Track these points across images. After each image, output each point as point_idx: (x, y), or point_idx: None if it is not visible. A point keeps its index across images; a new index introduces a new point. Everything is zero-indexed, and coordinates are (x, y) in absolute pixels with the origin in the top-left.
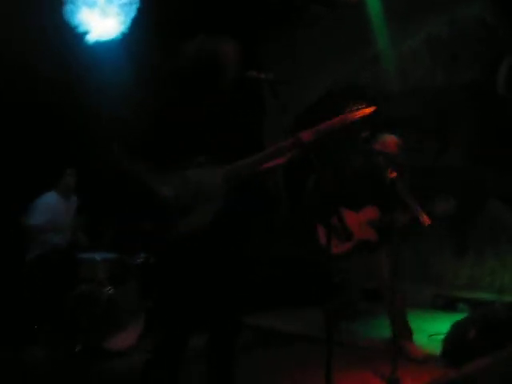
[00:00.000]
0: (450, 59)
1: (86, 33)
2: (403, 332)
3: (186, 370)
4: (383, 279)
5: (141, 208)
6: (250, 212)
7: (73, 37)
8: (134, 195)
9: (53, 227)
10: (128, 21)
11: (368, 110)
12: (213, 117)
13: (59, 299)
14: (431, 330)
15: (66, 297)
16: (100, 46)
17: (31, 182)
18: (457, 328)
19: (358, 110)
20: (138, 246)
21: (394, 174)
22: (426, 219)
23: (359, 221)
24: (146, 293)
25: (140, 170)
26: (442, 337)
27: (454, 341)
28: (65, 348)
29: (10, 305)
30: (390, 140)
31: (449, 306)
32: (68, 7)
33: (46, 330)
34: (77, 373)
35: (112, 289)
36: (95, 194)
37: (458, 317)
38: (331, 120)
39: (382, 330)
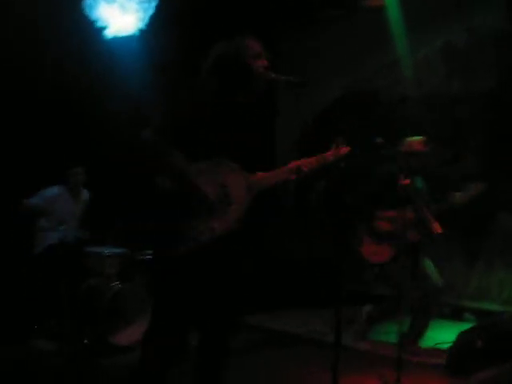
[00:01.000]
0: (467, 67)
1: (104, 28)
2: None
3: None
4: (400, 288)
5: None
6: (264, 219)
7: (91, 32)
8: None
9: (57, 223)
10: (146, 17)
11: (344, 151)
12: (233, 116)
13: (67, 293)
14: (437, 339)
15: (74, 290)
16: (118, 41)
17: (42, 177)
18: (463, 337)
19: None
20: (145, 242)
21: (407, 181)
22: (437, 227)
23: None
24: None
25: (179, 159)
26: (448, 346)
27: (461, 350)
28: (72, 342)
29: (18, 299)
30: (416, 141)
31: (455, 315)
32: (87, 2)
33: (53, 324)
34: (84, 367)
35: (119, 283)
36: (104, 191)
37: (465, 326)
38: (321, 155)
39: (387, 335)
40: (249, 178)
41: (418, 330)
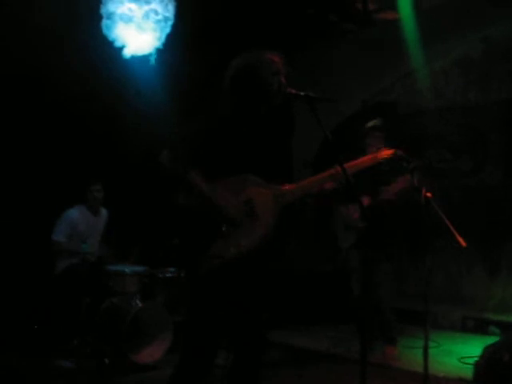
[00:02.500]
0: (483, 78)
1: (122, 47)
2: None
3: None
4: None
5: (176, 221)
6: (288, 233)
7: (110, 51)
8: (184, 203)
9: (78, 241)
10: (163, 37)
11: (389, 152)
12: (255, 132)
13: (88, 312)
14: (462, 353)
15: (95, 309)
16: (136, 60)
17: (62, 195)
18: (490, 351)
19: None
20: (167, 260)
21: (430, 194)
22: (462, 240)
23: None
24: (175, 307)
25: (197, 175)
26: (474, 360)
27: (488, 364)
28: (93, 361)
29: (41, 318)
30: None
31: (479, 328)
32: (105, 22)
33: (75, 343)
34: None
35: (141, 302)
36: (125, 208)
37: (489, 339)
38: (360, 159)
39: (411, 350)
40: (276, 191)
41: (387, 335)
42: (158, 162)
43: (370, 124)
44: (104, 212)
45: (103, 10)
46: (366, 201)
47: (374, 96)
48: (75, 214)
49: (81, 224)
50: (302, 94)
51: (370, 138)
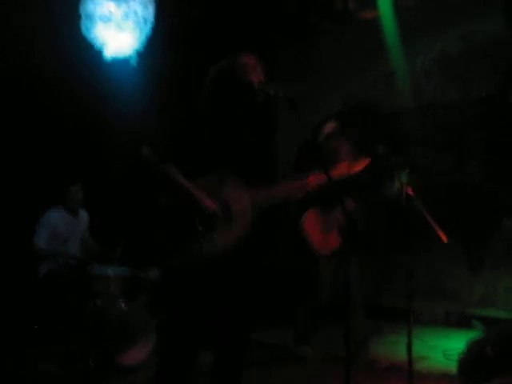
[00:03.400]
0: (463, 75)
1: (102, 48)
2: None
3: None
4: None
5: (157, 220)
6: (268, 233)
7: (90, 51)
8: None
9: (59, 243)
10: (143, 38)
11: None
12: (234, 132)
13: (72, 315)
14: (446, 347)
15: (79, 312)
16: (117, 61)
17: (40, 196)
18: (473, 346)
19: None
20: (150, 260)
21: (411, 190)
22: (443, 236)
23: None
24: (158, 308)
25: (177, 173)
26: (458, 355)
27: (471, 359)
28: (78, 363)
29: (24, 322)
30: None
31: (462, 322)
32: (84, 23)
33: (59, 346)
34: None
35: (124, 304)
36: (106, 208)
37: (473, 334)
38: (335, 169)
39: (395, 347)
40: (252, 194)
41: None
42: (137, 158)
43: (327, 129)
44: (83, 214)
45: (82, 11)
46: (350, 204)
47: (354, 95)
48: (54, 216)
49: (60, 226)
50: (280, 94)
51: (333, 143)
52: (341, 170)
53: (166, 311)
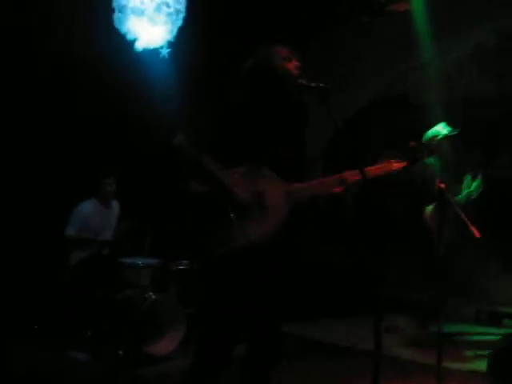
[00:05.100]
0: (498, 68)
1: (134, 41)
2: None
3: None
4: None
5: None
6: (302, 225)
7: (122, 44)
8: (195, 189)
9: (94, 235)
10: (175, 29)
11: (402, 164)
12: (271, 123)
13: (102, 304)
14: (476, 345)
15: (109, 302)
16: (148, 52)
17: (74, 189)
18: (504, 344)
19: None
20: (180, 251)
21: (443, 185)
22: (475, 231)
23: None
24: (187, 299)
25: (211, 160)
26: (488, 352)
27: (502, 357)
28: (107, 353)
29: (55, 310)
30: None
31: (493, 321)
32: (117, 15)
33: (89, 335)
34: (119, 377)
35: (154, 295)
36: (137, 200)
37: (503, 332)
38: (372, 167)
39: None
40: (286, 187)
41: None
42: (172, 146)
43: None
44: (115, 205)
45: (115, 4)
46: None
47: (386, 87)
48: (88, 207)
49: (94, 218)
50: (312, 85)
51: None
52: (377, 168)
53: (199, 302)
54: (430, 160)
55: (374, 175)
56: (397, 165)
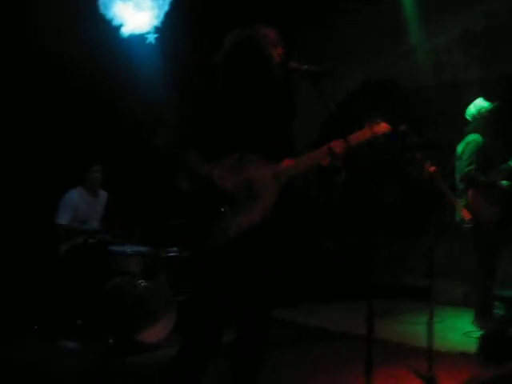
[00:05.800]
0: (486, 52)
1: (120, 26)
2: None
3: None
4: None
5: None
6: (289, 209)
7: (107, 29)
8: (183, 185)
9: (79, 222)
10: (161, 15)
11: (388, 127)
12: (254, 106)
13: (92, 292)
14: (465, 328)
15: (99, 290)
16: (134, 38)
17: (60, 177)
18: (494, 326)
19: (378, 123)
20: (170, 239)
21: (433, 169)
22: (466, 214)
23: None
24: (178, 286)
25: (194, 157)
26: (478, 335)
27: (492, 339)
28: (98, 341)
29: (44, 299)
30: None
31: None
32: (102, 1)
33: (79, 324)
34: (109, 366)
35: (144, 282)
36: (126, 188)
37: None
38: (358, 132)
39: (416, 326)
40: (274, 167)
41: None
42: (155, 146)
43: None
44: (103, 193)
45: None
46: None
47: (375, 72)
48: (75, 195)
49: (81, 205)
50: (304, 68)
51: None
52: (362, 133)
53: (192, 290)
54: (475, 136)
55: (360, 140)
56: (381, 127)
